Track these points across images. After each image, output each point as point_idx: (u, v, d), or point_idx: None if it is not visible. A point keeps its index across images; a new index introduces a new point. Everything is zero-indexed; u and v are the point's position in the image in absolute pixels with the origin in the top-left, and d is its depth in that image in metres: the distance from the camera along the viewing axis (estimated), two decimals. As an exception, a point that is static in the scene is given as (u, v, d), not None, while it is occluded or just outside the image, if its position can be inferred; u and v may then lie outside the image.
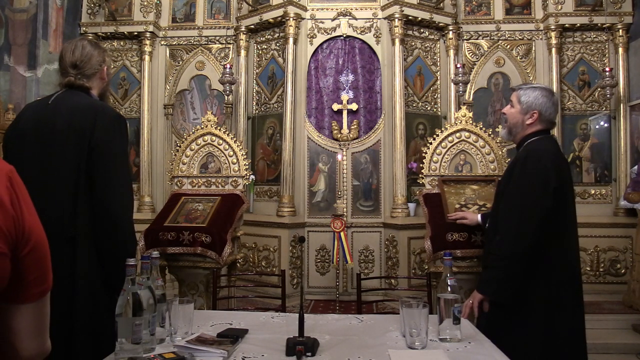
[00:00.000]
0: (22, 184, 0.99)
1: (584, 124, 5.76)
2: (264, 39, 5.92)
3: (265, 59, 5.90)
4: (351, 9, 5.62)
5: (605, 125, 5.73)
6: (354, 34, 5.62)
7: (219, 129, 3.91)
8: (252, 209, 5.59)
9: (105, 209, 1.87)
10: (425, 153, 3.65)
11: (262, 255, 5.50)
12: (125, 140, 2.04)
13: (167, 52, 6.22)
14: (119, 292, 1.58)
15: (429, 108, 5.83)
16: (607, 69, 5.35)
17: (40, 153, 1.89)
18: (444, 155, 3.61)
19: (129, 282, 1.58)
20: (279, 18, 5.60)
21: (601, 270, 5.47)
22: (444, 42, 5.88)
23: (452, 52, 5.80)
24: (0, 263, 0.91)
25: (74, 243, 1.82)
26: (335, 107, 5.55)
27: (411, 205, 5.42)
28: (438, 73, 5.89)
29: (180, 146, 3.95)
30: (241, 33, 5.92)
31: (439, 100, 5.88)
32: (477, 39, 5.97)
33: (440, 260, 3.02)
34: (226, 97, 5.81)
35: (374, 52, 5.65)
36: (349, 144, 5.49)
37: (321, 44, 5.66)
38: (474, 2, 6.00)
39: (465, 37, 5.95)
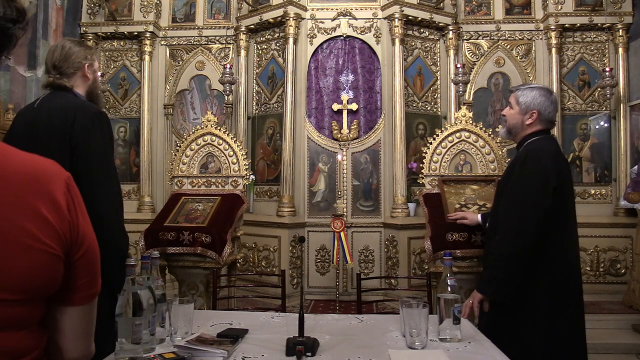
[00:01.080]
0: (78, 190, 1.01)
1: (584, 124, 5.76)
2: (264, 39, 5.92)
3: (265, 59, 5.90)
4: (351, 9, 5.62)
5: (605, 125, 5.73)
6: (354, 34, 5.62)
7: (219, 129, 3.91)
8: (252, 209, 5.58)
9: (90, 209, 1.84)
10: (425, 153, 3.64)
11: (262, 255, 5.50)
12: (107, 138, 1.98)
13: (167, 52, 6.22)
14: (119, 291, 1.57)
15: (429, 108, 5.83)
16: (607, 69, 5.35)
17: None
18: (444, 155, 3.61)
19: (129, 282, 1.58)
20: (279, 18, 5.60)
21: (601, 270, 5.47)
22: (444, 42, 5.87)
23: (452, 52, 5.80)
24: (54, 265, 0.93)
25: None
26: (335, 107, 5.55)
27: (411, 205, 5.42)
28: (438, 73, 5.89)
29: (180, 146, 3.95)
30: (241, 33, 5.92)
31: (439, 100, 5.88)
32: (477, 39, 5.97)
33: (440, 260, 3.02)
34: (226, 97, 5.81)
35: (374, 52, 5.65)
36: (349, 144, 5.49)
37: (321, 44, 5.66)
38: (474, 2, 6.00)
39: (465, 37, 5.95)
